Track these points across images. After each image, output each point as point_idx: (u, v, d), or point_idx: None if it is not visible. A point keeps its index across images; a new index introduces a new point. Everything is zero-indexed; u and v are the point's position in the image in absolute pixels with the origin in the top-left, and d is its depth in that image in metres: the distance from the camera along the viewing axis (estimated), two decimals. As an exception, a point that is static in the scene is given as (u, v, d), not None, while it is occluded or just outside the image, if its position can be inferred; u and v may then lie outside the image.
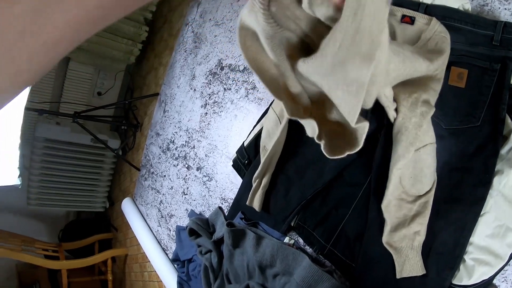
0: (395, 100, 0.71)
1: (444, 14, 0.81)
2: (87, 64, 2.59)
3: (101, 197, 2.86)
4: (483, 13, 0.85)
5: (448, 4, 0.84)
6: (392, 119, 0.73)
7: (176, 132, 1.83)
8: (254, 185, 1.09)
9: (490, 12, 0.84)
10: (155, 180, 1.95)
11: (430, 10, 0.83)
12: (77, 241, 2.63)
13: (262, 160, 1.05)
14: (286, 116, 0.97)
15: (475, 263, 0.75)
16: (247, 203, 1.11)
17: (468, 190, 0.75)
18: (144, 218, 2.04)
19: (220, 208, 1.36)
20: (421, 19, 0.79)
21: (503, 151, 0.75)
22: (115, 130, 2.94)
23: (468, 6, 0.84)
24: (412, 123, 0.71)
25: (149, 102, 2.39)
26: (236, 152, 1.27)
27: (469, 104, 0.76)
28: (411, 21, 0.80)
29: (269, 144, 1.06)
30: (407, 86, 0.68)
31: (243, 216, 1.21)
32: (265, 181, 1.08)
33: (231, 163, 1.29)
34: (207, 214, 1.47)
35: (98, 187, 2.83)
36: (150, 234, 1.91)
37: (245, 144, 1.25)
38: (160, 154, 1.95)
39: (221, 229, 1.26)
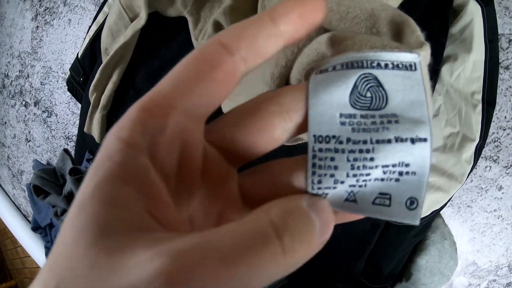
0: None
1: None
2: None
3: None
4: None
5: None
6: None
7: (9, 62, 1.35)
8: (91, 102, 0.75)
9: None
10: (-2, 131, 1.48)
11: None
12: None
13: (103, 64, 0.71)
14: (143, 10, 0.63)
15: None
16: (84, 130, 0.78)
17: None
18: (-2, 182, 1.59)
19: (65, 150, 1.00)
20: None
21: (454, 30, 0.54)
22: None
23: None
24: None
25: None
26: (70, 69, 0.89)
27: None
28: None
29: (112, 46, 0.72)
30: None
31: (91, 157, 0.87)
32: (105, 98, 0.74)
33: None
34: (55, 162, 1.10)
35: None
36: (7, 201, 1.49)
37: (79, 56, 0.86)
38: (-3, 97, 1.47)
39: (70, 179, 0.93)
